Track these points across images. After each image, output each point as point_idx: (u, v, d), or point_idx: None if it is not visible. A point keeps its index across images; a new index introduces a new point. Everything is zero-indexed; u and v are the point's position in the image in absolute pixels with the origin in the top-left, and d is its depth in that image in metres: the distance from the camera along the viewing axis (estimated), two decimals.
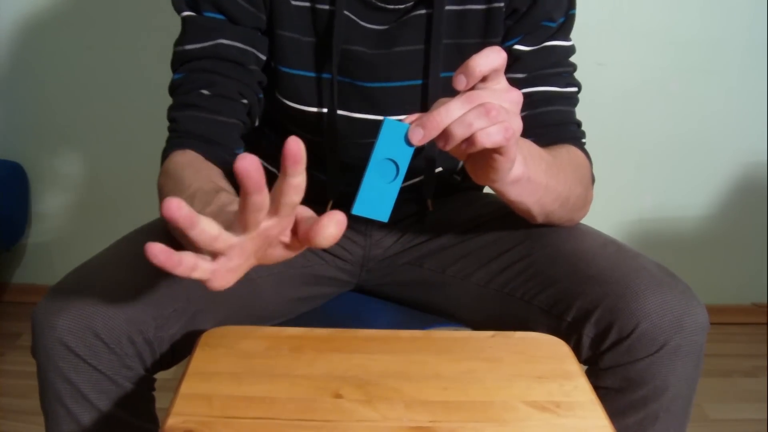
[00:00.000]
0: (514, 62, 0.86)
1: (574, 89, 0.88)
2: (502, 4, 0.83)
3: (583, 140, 0.89)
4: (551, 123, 0.86)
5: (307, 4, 0.83)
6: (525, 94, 0.84)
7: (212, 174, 0.73)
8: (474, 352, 0.69)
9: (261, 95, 0.85)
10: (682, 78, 1.68)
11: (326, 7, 0.82)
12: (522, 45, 0.85)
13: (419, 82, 0.86)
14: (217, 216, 0.54)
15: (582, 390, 0.64)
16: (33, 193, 1.78)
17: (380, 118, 0.85)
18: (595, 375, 0.75)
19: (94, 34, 1.64)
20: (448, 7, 0.83)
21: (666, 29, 1.64)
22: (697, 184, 1.77)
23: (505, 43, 0.86)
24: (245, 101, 0.83)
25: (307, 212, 0.52)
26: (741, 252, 1.84)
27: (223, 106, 0.80)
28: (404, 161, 0.57)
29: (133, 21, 1.59)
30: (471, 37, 0.85)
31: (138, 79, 1.58)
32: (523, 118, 0.86)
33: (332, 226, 0.47)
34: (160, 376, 0.80)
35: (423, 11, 0.83)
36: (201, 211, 0.58)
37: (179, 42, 0.83)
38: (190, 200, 0.63)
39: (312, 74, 0.85)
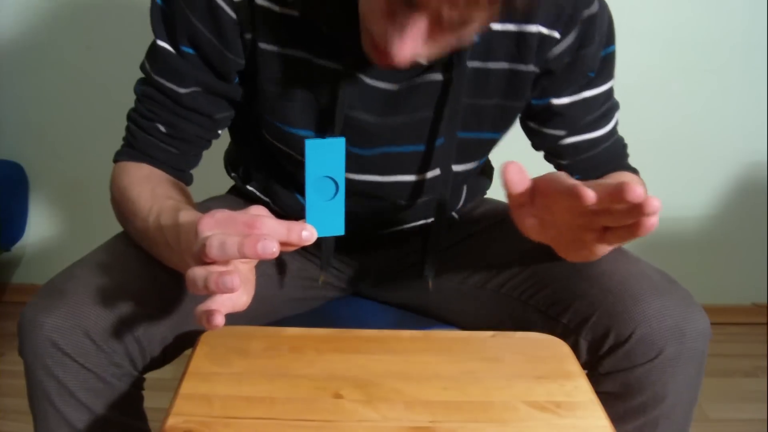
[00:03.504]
0: (554, 117, 0.81)
1: (616, 118, 0.85)
2: (531, 68, 0.76)
3: (629, 160, 0.88)
4: (599, 163, 0.85)
5: (305, 55, 0.73)
6: (568, 145, 0.83)
7: (169, 190, 0.74)
8: (474, 352, 0.69)
9: (227, 126, 0.83)
10: (682, 78, 1.67)
11: (330, 64, 0.73)
12: (560, 99, 0.80)
13: (422, 147, 0.80)
14: (178, 235, 0.63)
15: (582, 390, 0.64)
16: (33, 193, 1.78)
17: (381, 179, 0.81)
18: (594, 380, 0.74)
19: (94, 34, 1.64)
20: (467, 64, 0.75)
21: (666, 29, 1.64)
22: (697, 184, 1.77)
23: (542, 100, 0.80)
24: (205, 139, 0.81)
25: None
26: (741, 252, 1.84)
27: (179, 144, 0.79)
28: (340, 174, 0.56)
29: (132, 21, 1.59)
30: (490, 97, 0.78)
31: (137, 79, 1.58)
32: (569, 164, 0.86)
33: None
34: (159, 375, 0.80)
35: (439, 77, 0.75)
36: (167, 233, 0.65)
37: (150, 59, 0.78)
38: (155, 226, 0.67)
39: (305, 132, 0.78)
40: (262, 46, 0.73)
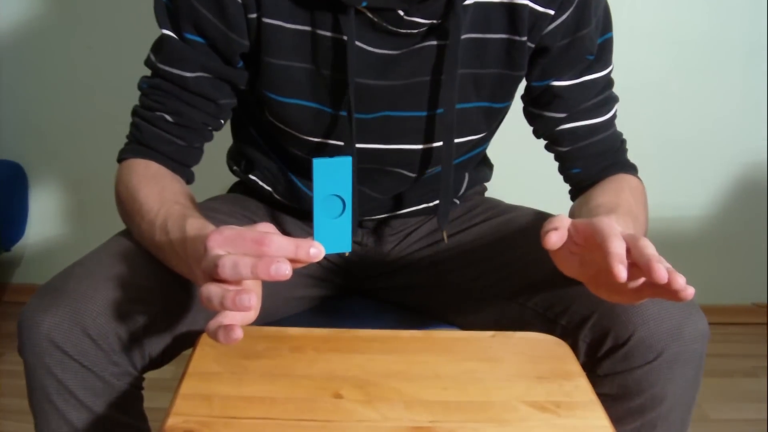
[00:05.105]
0: (554, 99, 0.83)
1: (615, 110, 0.86)
2: (525, 39, 0.78)
3: (627, 155, 0.88)
4: (597, 152, 0.86)
5: (308, 28, 0.76)
6: (567, 130, 0.84)
7: (177, 194, 0.74)
8: (474, 352, 0.69)
9: (229, 116, 0.84)
10: (682, 78, 1.67)
11: (329, 33, 0.76)
12: (560, 81, 0.82)
13: (422, 114, 0.81)
14: (185, 243, 0.64)
15: (582, 390, 0.64)
16: (33, 193, 1.78)
17: (384, 146, 0.83)
18: (592, 382, 0.74)
19: (94, 34, 1.64)
20: (465, 36, 0.77)
21: (666, 29, 1.64)
22: (697, 184, 1.77)
23: (543, 82, 0.83)
24: (210, 128, 0.82)
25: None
26: (741, 252, 1.84)
27: (185, 133, 0.80)
28: (347, 193, 0.57)
29: (132, 20, 1.59)
30: (488, 66, 0.80)
31: (137, 79, 1.59)
32: (569, 152, 0.87)
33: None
34: (159, 375, 0.80)
35: (435, 42, 0.78)
36: (173, 239, 0.67)
37: (155, 51, 0.80)
38: (162, 231, 0.68)
39: (309, 104, 0.80)
40: (267, 20, 0.75)
